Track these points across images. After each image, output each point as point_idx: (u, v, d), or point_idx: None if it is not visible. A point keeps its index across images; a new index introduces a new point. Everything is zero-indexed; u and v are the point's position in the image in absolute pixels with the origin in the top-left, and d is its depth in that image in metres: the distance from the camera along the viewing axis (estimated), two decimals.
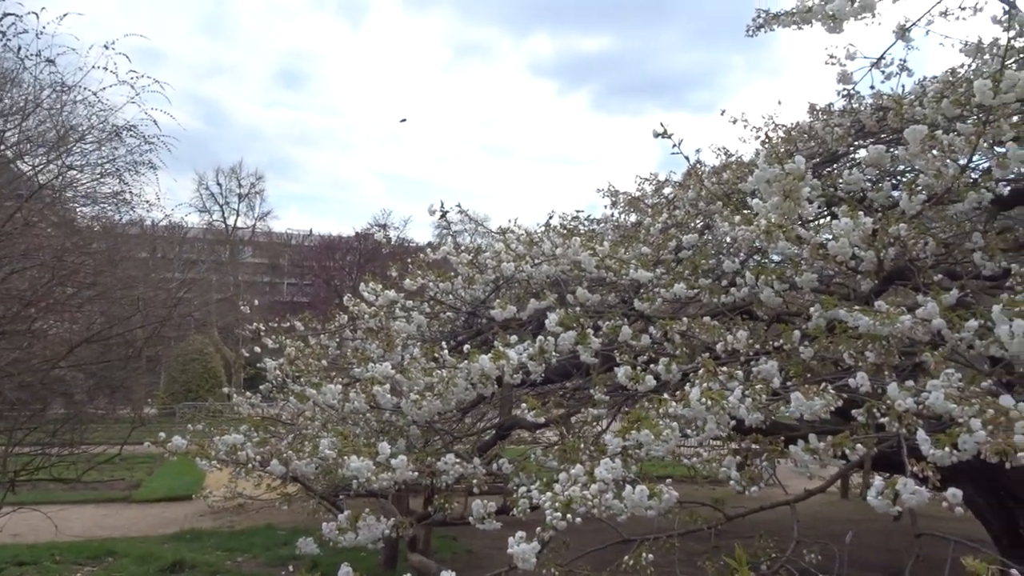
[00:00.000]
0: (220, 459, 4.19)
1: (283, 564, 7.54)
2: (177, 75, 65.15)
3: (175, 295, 8.01)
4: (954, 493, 2.23)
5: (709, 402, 2.85)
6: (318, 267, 40.45)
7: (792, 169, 3.31)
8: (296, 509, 9.09)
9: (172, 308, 7.04)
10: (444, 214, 5.59)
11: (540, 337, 4.35)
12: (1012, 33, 4.42)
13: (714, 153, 7.03)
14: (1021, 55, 4.96)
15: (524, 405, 3.78)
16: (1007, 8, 4.59)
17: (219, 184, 44.74)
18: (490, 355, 4.22)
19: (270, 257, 45.68)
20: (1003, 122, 4.20)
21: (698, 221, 5.98)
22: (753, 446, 3.14)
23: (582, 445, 3.49)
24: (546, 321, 4.43)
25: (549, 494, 3.01)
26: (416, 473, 3.84)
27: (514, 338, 4.56)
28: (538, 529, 2.99)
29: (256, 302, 9.23)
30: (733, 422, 3.38)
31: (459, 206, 6.82)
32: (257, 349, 6.77)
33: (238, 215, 45.25)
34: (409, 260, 6.77)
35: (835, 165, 6.05)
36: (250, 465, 4.32)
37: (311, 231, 46.72)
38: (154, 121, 6.83)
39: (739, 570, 1.46)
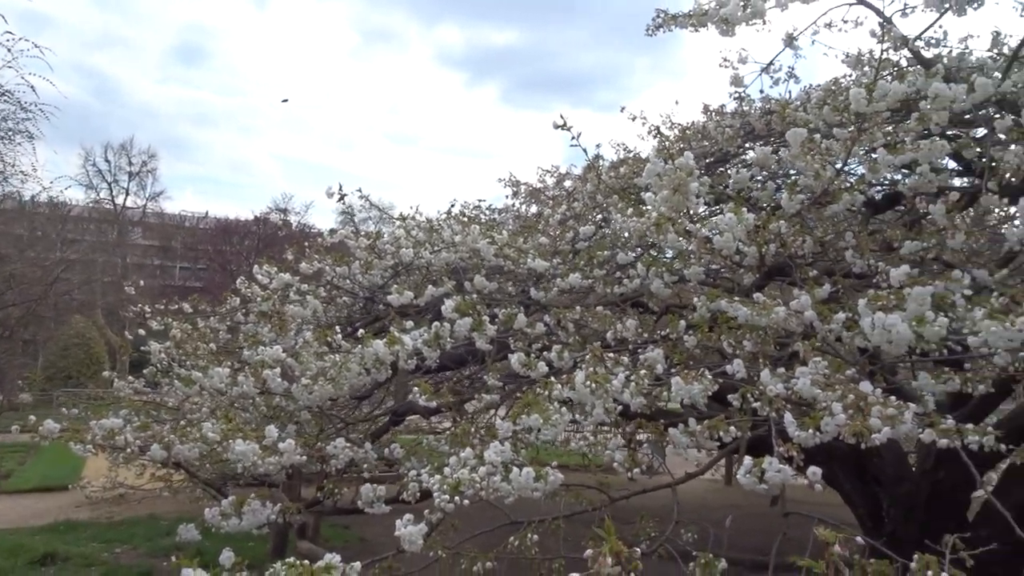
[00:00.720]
0: (96, 444, 4.00)
1: (165, 555, 7.26)
2: (64, 43, 61.09)
3: (53, 274, 7.57)
4: (814, 471, 2.37)
5: (593, 385, 2.93)
6: (213, 251, 38.95)
7: (681, 164, 3.43)
8: (181, 499, 8.77)
9: (49, 287, 6.65)
10: (342, 197, 5.50)
11: (436, 323, 4.36)
12: (886, 46, 4.72)
13: (613, 149, 7.20)
14: (895, 68, 5.29)
15: (416, 389, 3.77)
16: (883, 23, 4.91)
17: (108, 161, 42.55)
18: (384, 340, 4.20)
19: (162, 239, 43.68)
20: (876, 130, 4.49)
21: (596, 214, 6.12)
22: (638, 431, 3.25)
23: (472, 429, 3.52)
24: (442, 308, 4.44)
25: (438, 477, 3.02)
26: (304, 457, 3.78)
27: (410, 324, 4.55)
28: (426, 512, 3.01)
29: (142, 283, 8.82)
30: (620, 408, 3.50)
31: (359, 191, 6.73)
32: (141, 332, 6.50)
33: (127, 194, 43.15)
34: (307, 244, 6.64)
35: (727, 164, 6.32)
36: (129, 450, 4.15)
37: (207, 213, 44.95)
38: (32, 88, 6.42)
39: (608, 540, 1.51)
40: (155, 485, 8.59)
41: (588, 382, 2.93)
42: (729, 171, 5.55)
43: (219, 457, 4.24)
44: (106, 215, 40.76)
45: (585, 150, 4.71)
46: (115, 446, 4.09)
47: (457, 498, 2.96)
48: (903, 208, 5.49)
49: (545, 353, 4.09)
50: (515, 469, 2.84)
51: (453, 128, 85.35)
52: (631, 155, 6.79)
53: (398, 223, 6.25)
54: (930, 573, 2.11)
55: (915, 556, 2.26)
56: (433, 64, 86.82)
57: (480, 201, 7.64)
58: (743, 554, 4.35)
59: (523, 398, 3.26)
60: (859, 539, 1.77)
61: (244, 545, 5.51)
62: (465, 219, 5.91)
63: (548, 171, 7.65)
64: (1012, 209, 3.99)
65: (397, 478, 4.23)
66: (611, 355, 3.22)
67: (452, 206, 7.15)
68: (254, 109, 76.80)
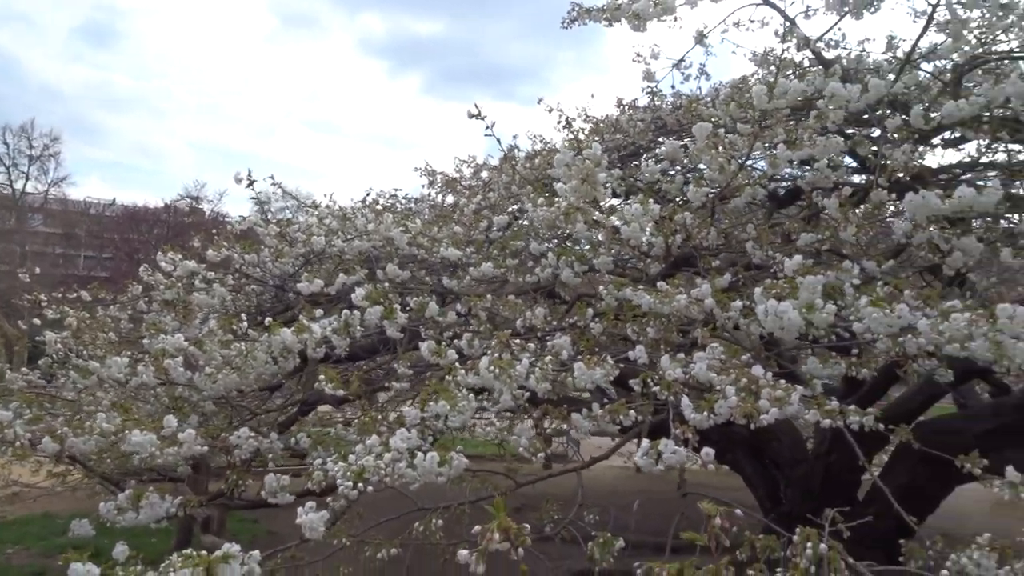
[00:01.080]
0: None
1: (60, 554, 6.94)
2: None
3: None
4: (707, 452, 2.46)
5: (497, 371, 2.95)
6: (120, 240, 37.38)
7: (589, 155, 3.48)
8: (80, 496, 8.39)
9: None
10: (251, 183, 5.36)
11: (346, 311, 4.31)
12: (789, 45, 4.91)
13: (530, 140, 7.26)
14: (797, 67, 5.51)
15: (322, 377, 3.72)
16: (786, 24, 5.10)
17: (6, 143, 40.27)
18: (292, 328, 4.12)
19: (65, 227, 41.63)
20: (778, 126, 4.66)
21: (511, 204, 6.16)
22: (544, 417, 3.30)
23: (379, 416, 3.50)
24: (352, 296, 4.39)
25: (342, 464, 2.99)
26: (206, 448, 3.68)
27: (319, 312, 4.48)
28: (329, 499, 2.98)
29: (38, 270, 8.39)
30: (527, 394, 3.54)
31: (272, 178, 6.58)
32: (37, 322, 6.19)
33: (27, 179, 40.95)
34: (215, 232, 6.45)
35: (640, 158, 6.45)
36: (19, 444, 3.96)
37: (114, 201, 43.05)
38: None
39: (497, 516, 1.53)
40: (51, 482, 8.20)
41: (492, 367, 2.96)
42: (639, 164, 5.66)
43: (119, 451, 4.09)
44: (3, 200, 38.61)
45: (499, 140, 4.72)
46: (3, 440, 3.90)
47: (361, 485, 2.93)
48: (803, 203, 5.73)
49: (456, 341, 4.10)
50: (419, 454, 2.83)
51: (376, 117, 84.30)
52: (547, 147, 6.85)
53: (311, 211, 6.15)
54: (809, 544, 2.22)
55: (797, 529, 2.38)
56: (355, 52, 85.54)
57: (396, 190, 7.58)
58: (649, 537, 4.47)
59: (430, 385, 3.26)
60: (739, 511, 1.84)
61: (146, 541, 5.33)
62: (379, 208, 5.85)
63: (465, 161, 7.65)
64: (900, 204, 4.21)
65: (304, 469, 4.17)
66: (517, 342, 3.25)
67: (367, 195, 7.07)
68: (167, 93, 74.02)
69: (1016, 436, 4.98)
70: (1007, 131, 4.41)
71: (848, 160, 5.47)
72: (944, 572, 2.22)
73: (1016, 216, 4.32)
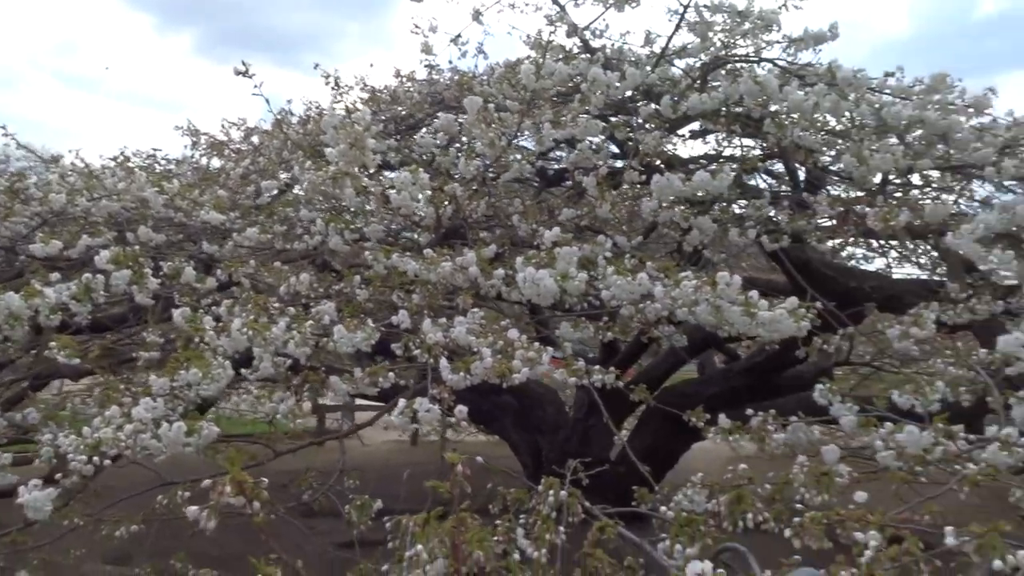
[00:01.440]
0: None
1: None
2: None
3: None
4: (460, 409, 2.55)
5: (251, 332, 2.84)
6: None
7: (358, 119, 3.43)
8: None
9: None
10: None
11: (87, 275, 3.92)
12: (557, 29, 5.15)
13: (304, 106, 6.99)
14: (566, 52, 5.79)
15: (53, 344, 3.37)
16: (557, 10, 5.34)
17: None
18: (21, 292, 3.68)
19: None
20: (545, 106, 4.88)
21: (283, 171, 5.92)
22: (304, 384, 3.23)
23: (122, 387, 3.23)
24: (96, 258, 4.00)
25: (74, 437, 2.74)
26: None
27: (56, 276, 4.04)
28: (58, 475, 2.71)
29: None
30: (289, 361, 3.44)
31: (3, 129, 5.88)
32: None
33: None
34: None
35: (419, 130, 6.46)
36: None
37: None
38: None
39: (231, 469, 1.48)
40: None
41: (246, 330, 2.84)
42: (417, 136, 5.68)
43: None
44: None
45: (267, 100, 4.52)
46: None
47: (97, 459, 2.70)
48: (571, 182, 6.06)
49: (214, 308, 3.88)
50: (164, 424, 2.66)
51: (143, 77, 77.16)
52: (322, 113, 6.64)
53: (52, 167, 5.52)
54: (551, 492, 2.38)
55: (542, 479, 2.54)
56: (120, 2, 77.51)
57: (156, 150, 6.98)
58: (419, 507, 4.55)
59: (182, 352, 3.06)
60: (479, 459, 1.93)
61: None
62: (132, 167, 5.38)
63: (234, 124, 7.21)
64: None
65: (32, 444, 3.76)
66: (276, 306, 3.14)
67: (121, 152, 6.46)
68: None
69: (742, 397, 5.65)
70: (739, 125, 4.95)
71: (613, 147, 5.86)
72: (663, 508, 2.47)
73: (743, 202, 4.86)
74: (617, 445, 6.29)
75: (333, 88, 5.70)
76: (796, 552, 2.01)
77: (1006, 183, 4.69)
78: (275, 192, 5.44)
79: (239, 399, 3.65)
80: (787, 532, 2.03)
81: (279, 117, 5.87)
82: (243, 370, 3.35)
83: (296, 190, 5.87)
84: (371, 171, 3.74)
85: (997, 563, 1.63)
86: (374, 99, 6.03)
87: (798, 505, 2.20)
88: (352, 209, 4.39)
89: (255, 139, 6.83)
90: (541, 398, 7.00)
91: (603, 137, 5.59)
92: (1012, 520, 2.31)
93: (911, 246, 6.78)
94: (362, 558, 2.58)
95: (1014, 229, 4.14)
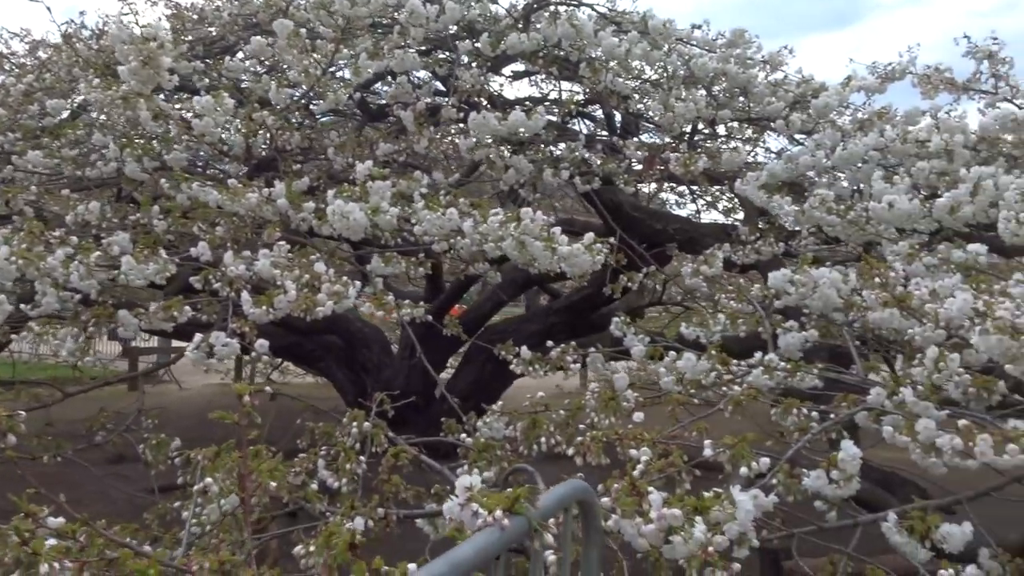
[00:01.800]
0: None
1: None
2: None
3: None
4: (261, 343, 2.48)
5: (21, 262, 2.61)
6: None
7: (150, 33, 3.17)
8: None
9: None
10: None
11: None
12: None
13: (100, 19, 6.34)
14: None
15: None
16: None
17: None
18: None
19: None
20: (363, 35, 4.73)
21: (75, 92, 5.37)
22: (94, 320, 3.01)
23: None
24: None
25: None
26: None
27: None
28: None
29: None
30: (79, 297, 3.19)
31: None
32: None
33: None
34: None
35: (231, 54, 6.06)
36: None
37: None
38: None
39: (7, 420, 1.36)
40: None
41: (15, 259, 2.59)
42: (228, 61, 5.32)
43: None
44: None
45: (49, 9, 4.07)
46: None
47: None
48: (394, 117, 5.95)
49: None
50: None
51: None
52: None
53: None
54: (355, 424, 2.40)
55: (347, 412, 2.55)
56: None
57: None
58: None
59: None
60: (267, 388, 1.90)
61: None
62: None
63: (16, 35, 6.42)
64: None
65: None
66: (57, 235, 2.89)
67: None
68: None
69: (562, 334, 5.89)
70: (557, 68, 5.04)
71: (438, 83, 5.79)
72: (463, 435, 2.56)
73: (560, 144, 4.99)
74: (442, 382, 6.42)
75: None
76: (581, 471, 2.16)
77: (795, 136, 5.13)
78: (65, 114, 4.94)
79: (24, 338, 3.35)
80: (570, 451, 2.16)
81: (68, 31, 5.31)
82: (22, 306, 3.07)
83: (93, 113, 5.36)
84: (167, 93, 3.49)
85: (743, 470, 1.83)
86: (179, 16, 5.58)
87: (586, 428, 2.36)
88: (152, 136, 4.08)
89: (42, 54, 6.13)
90: (367, 337, 6.95)
91: (429, 73, 5.52)
92: (772, 436, 2.60)
93: (715, 192, 7.29)
94: (168, 500, 2.49)
95: (799, 178, 4.57)
